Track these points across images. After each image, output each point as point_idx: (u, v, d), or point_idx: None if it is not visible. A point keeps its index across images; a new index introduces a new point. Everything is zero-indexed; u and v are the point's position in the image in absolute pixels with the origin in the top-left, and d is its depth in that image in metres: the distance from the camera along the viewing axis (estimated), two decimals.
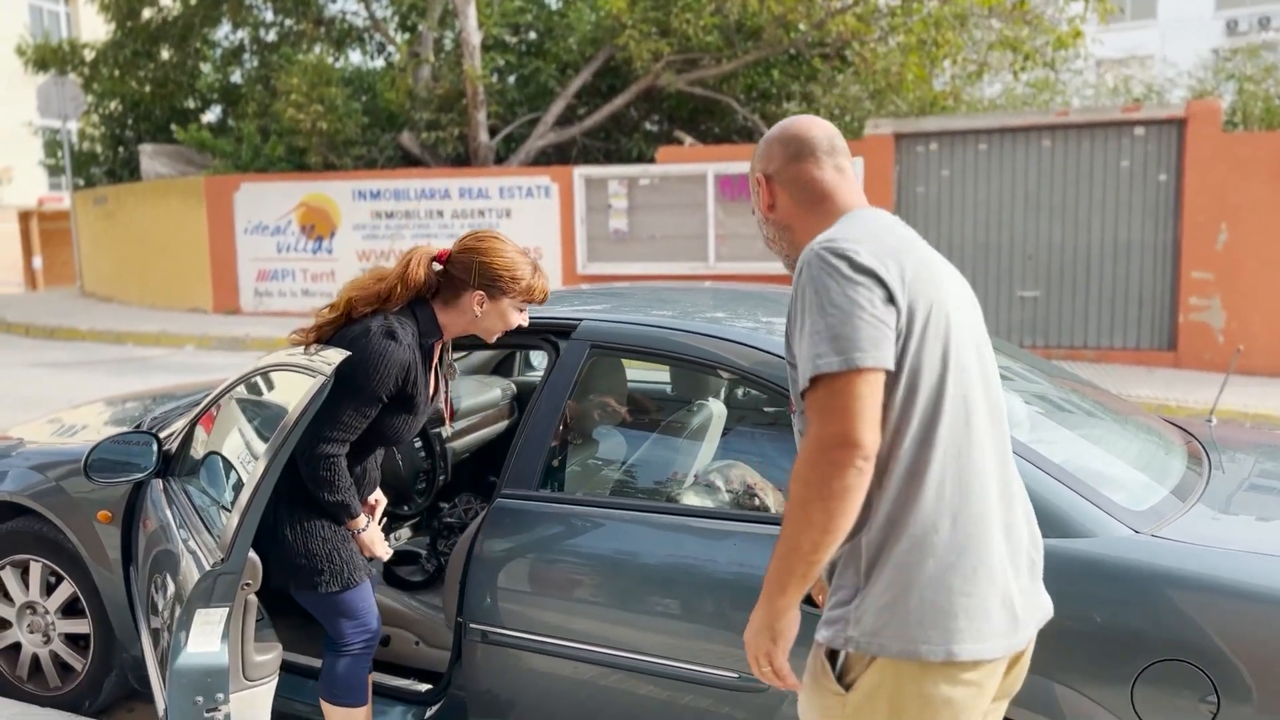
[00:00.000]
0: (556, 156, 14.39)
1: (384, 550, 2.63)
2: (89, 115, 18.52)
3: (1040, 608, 1.74)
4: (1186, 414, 7.58)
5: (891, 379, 1.57)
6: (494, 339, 2.62)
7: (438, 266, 2.60)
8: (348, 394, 2.41)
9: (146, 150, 16.82)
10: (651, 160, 12.99)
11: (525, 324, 2.60)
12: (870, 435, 1.50)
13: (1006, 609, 1.62)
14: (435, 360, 2.65)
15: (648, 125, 15.16)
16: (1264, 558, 2.08)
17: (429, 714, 2.76)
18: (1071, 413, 2.86)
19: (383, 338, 2.44)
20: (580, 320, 2.79)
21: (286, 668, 2.82)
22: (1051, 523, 2.10)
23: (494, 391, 4.28)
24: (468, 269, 2.52)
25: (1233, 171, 9.73)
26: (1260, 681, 1.91)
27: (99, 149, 18.94)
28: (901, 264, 1.60)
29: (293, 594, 2.59)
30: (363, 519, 2.58)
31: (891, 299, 1.56)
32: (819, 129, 1.82)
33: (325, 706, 2.63)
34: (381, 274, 2.56)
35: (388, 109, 15.02)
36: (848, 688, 1.61)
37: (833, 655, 1.64)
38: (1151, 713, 1.97)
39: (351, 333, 2.48)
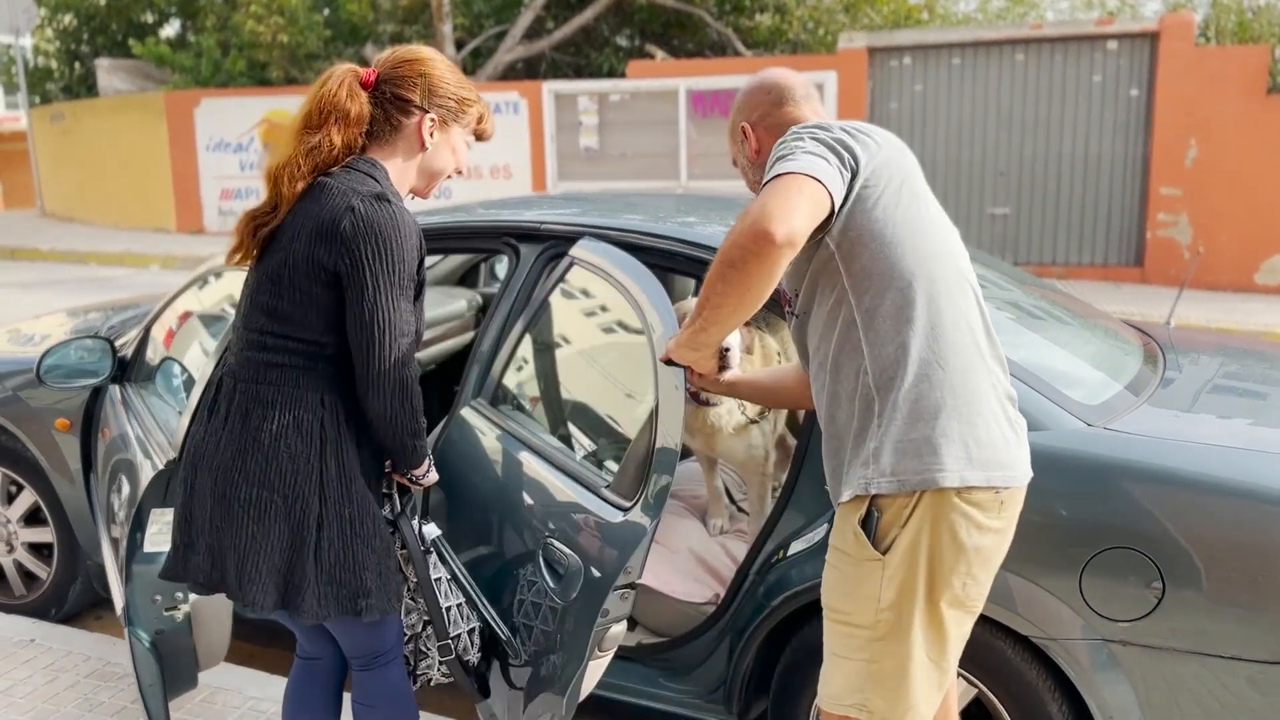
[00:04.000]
0: (525, 71, 14.11)
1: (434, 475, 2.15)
2: (42, 29, 17.92)
3: (1026, 462, 1.83)
4: None
5: (868, 230, 1.72)
6: (431, 192, 2.10)
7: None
8: (388, 289, 1.83)
9: (103, 65, 16.33)
10: (622, 75, 12.76)
11: (465, 170, 2.13)
12: (795, 225, 1.59)
13: (1006, 445, 1.76)
14: None
15: (619, 40, 14.87)
16: (1211, 449, 2.12)
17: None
18: (1038, 317, 2.88)
19: (377, 203, 1.85)
20: (542, 223, 2.75)
21: None
22: None
23: (459, 302, 4.25)
24: (411, 86, 1.95)
25: (1204, 87, 9.70)
26: (1203, 566, 1.96)
27: (54, 65, 18.37)
28: (872, 141, 1.75)
29: (301, 619, 1.94)
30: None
31: (855, 161, 1.71)
32: (794, 76, 1.98)
33: None
34: (298, 123, 1.93)
35: (350, 21, 14.62)
36: (884, 553, 1.72)
37: (865, 525, 1.74)
38: (1098, 598, 2.02)
39: (330, 214, 1.84)
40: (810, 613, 2.27)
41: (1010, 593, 2.08)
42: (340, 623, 1.99)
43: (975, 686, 2.17)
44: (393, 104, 1.96)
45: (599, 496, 2.16)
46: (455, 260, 4.41)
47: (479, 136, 2.10)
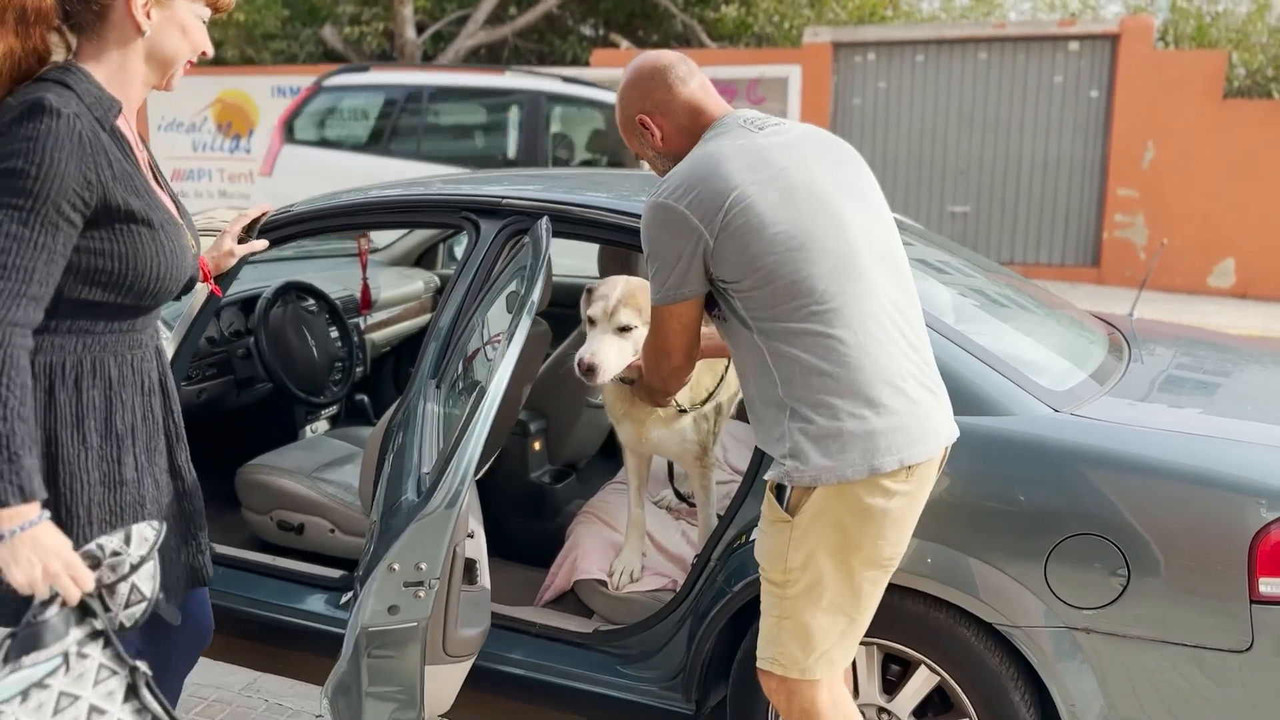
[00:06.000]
0: (487, 58, 13.96)
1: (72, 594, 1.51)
2: None
3: (949, 421, 1.90)
4: None
5: (743, 266, 1.80)
6: (176, 80, 1.77)
7: None
8: (1, 217, 1.49)
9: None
10: (586, 64, 12.66)
11: (210, 51, 1.78)
12: (681, 351, 1.96)
13: (918, 418, 1.81)
14: (138, 144, 1.77)
15: (583, 29, 14.76)
16: (1178, 435, 2.10)
17: (344, 600, 2.70)
18: (1003, 304, 2.86)
19: (27, 119, 1.51)
20: (504, 198, 2.67)
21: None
22: (973, 401, 2.09)
23: (415, 283, 4.16)
24: None
25: (1162, 90, 9.81)
26: (1168, 554, 1.94)
27: None
28: (727, 186, 1.80)
29: None
30: (35, 507, 1.49)
31: (699, 238, 1.80)
32: (668, 55, 2.01)
33: None
34: None
35: (309, 1, 14.36)
36: (793, 514, 1.82)
37: (779, 491, 1.85)
38: (1064, 585, 2.00)
39: None
40: None
41: (974, 579, 2.05)
42: None
43: (938, 674, 2.14)
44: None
45: (416, 485, 1.95)
46: (412, 240, 4.32)
47: (214, 7, 1.74)
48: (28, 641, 1.44)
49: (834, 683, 1.91)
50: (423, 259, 4.39)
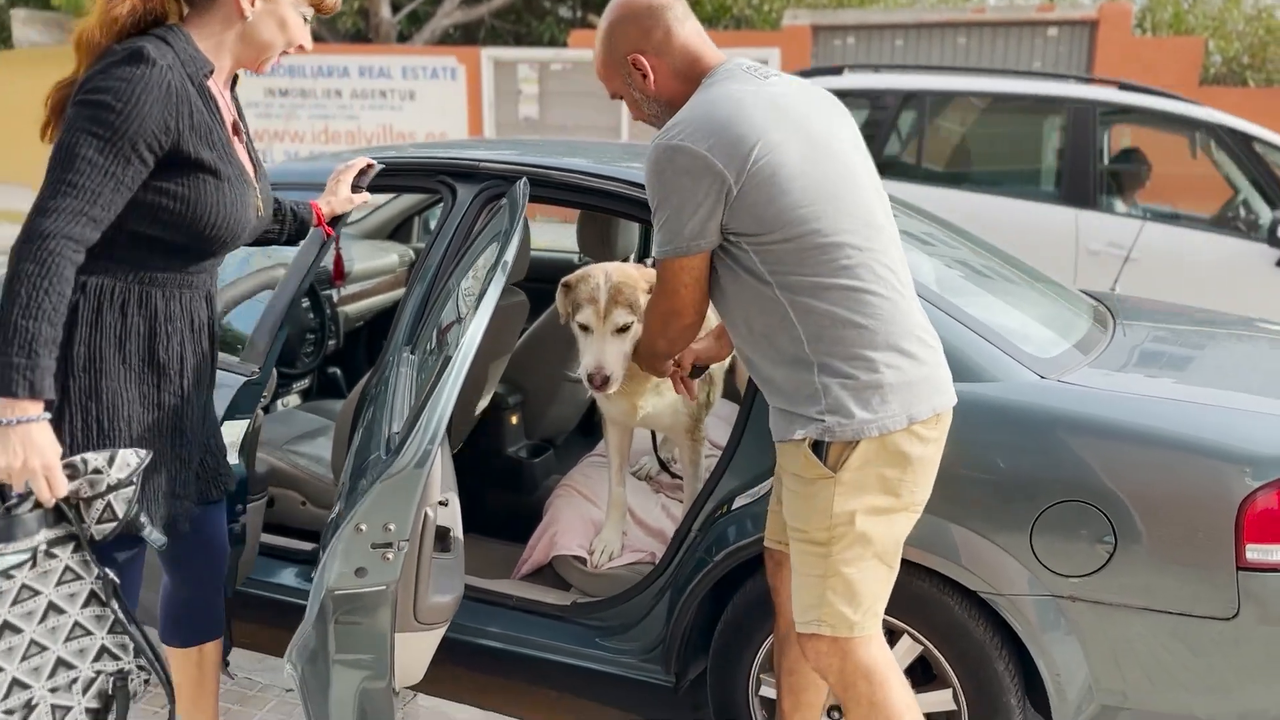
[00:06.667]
0: (463, 37, 13.83)
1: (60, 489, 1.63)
2: None
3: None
4: None
5: (765, 216, 1.72)
6: (268, 66, 1.91)
7: None
8: (83, 141, 1.63)
9: (19, 16, 15.66)
10: (564, 45, 12.57)
11: (309, 46, 1.93)
12: (692, 307, 1.86)
13: (940, 367, 1.83)
14: (227, 105, 1.88)
15: (561, 10, 14.65)
16: (1165, 402, 2.08)
17: (314, 574, 2.64)
18: (988, 276, 2.83)
19: (126, 63, 1.66)
20: (481, 161, 2.61)
21: None
22: (959, 367, 2.04)
23: (390, 256, 4.08)
24: None
25: (1139, 76, 9.80)
26: (1153, 521, 1.91)
27: None
28: (753, 131, 1.71)
29: None
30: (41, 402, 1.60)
31: (723, 184, 1.70)
32: None
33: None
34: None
35: None
36: (835, 470, 1.76)
37: (815, 447, 1.77)
38: (1049, 553, 1.97)
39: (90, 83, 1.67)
40: (757, 565, 2.19)
41: (957, 546, 2.02)
42: None
43: (920, 644, 2.11)
44: None
45: (385, 445, 1.87)
46: (387, 213, 4.24)
47: (318, 8, 1.90)
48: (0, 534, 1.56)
49: (881, 636, 1.86)
50: (398, 233, 4.31)
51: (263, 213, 1.94)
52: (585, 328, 2.41)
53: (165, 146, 1.68)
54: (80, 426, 1.71)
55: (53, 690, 1.62)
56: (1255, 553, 1.88)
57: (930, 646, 2.10)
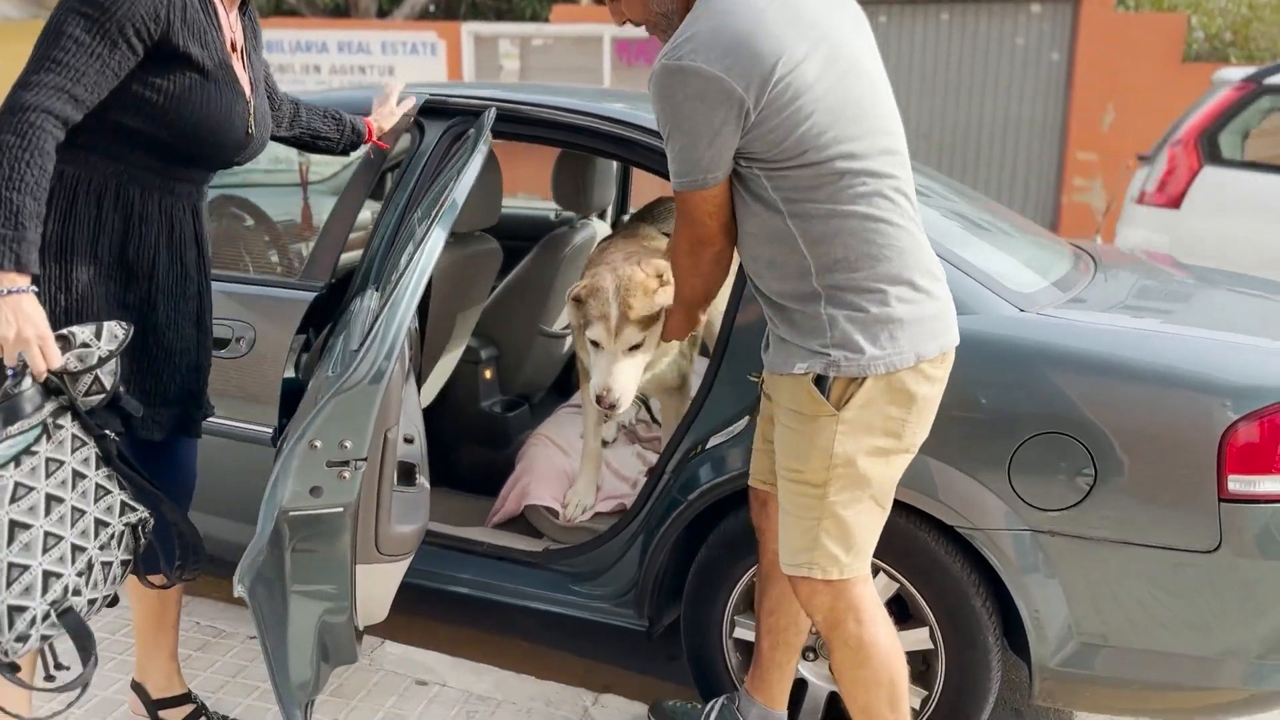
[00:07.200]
0: (443, 12, 13.68)
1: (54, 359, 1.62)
2: None
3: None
4: None
5: (784, 141, 1.60)
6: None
7: None
8: (71, 20, 1.63)
9: None
10: (546, 20, 12.45)
11: None
12: (721, 233, 1.74)
13: (949, 306, 1.76)
14: (229, 24, 1.86)
15: None
16: (1145, 334, 2.05)
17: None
18: (979, 225, 2.78)
19: None
20: (450, 95, 2.54)
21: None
22: None
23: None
24: None
25: (1123, 53, 9.81)
26: (1132, 453, 1.88)
27: None
28: (774, 47, 1.57)
29: None
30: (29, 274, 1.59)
31: (741, 107, 1.57)
32: None
33: None
34: None
35: None
36: (838, 407, 1.68)
37: (818, 382, 1.68)
38: (1027, 486, 1.93)
39: None
40: (731, 505, 2.15)
41: (933, 480, 1.98)
42: None
43: (896, 581, 2.07)
44: None
45: (344, 355, 1.79)
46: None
47: None
48: (10, 413, 1.56)
49: (869, 576, 1.81)
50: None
51: (254, 133, 1.90)
52: (595, 344, 2.27)
53: (154, 35, 1.66)
54: (49, 317, 1.66)
55: (101, 548, 1.65)
56: (1237, 484, 1.84)
57: (906, 584, 2.06)
